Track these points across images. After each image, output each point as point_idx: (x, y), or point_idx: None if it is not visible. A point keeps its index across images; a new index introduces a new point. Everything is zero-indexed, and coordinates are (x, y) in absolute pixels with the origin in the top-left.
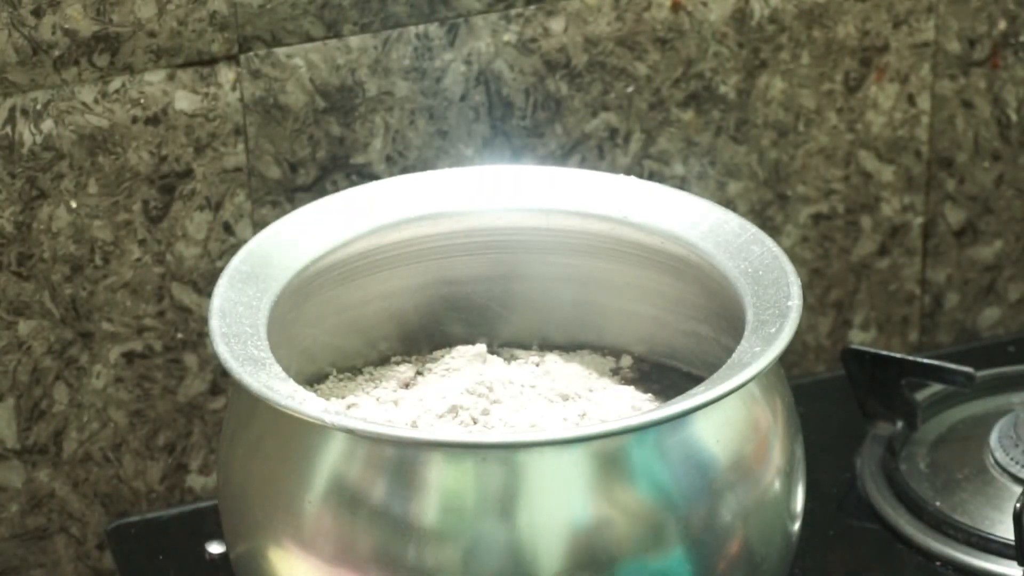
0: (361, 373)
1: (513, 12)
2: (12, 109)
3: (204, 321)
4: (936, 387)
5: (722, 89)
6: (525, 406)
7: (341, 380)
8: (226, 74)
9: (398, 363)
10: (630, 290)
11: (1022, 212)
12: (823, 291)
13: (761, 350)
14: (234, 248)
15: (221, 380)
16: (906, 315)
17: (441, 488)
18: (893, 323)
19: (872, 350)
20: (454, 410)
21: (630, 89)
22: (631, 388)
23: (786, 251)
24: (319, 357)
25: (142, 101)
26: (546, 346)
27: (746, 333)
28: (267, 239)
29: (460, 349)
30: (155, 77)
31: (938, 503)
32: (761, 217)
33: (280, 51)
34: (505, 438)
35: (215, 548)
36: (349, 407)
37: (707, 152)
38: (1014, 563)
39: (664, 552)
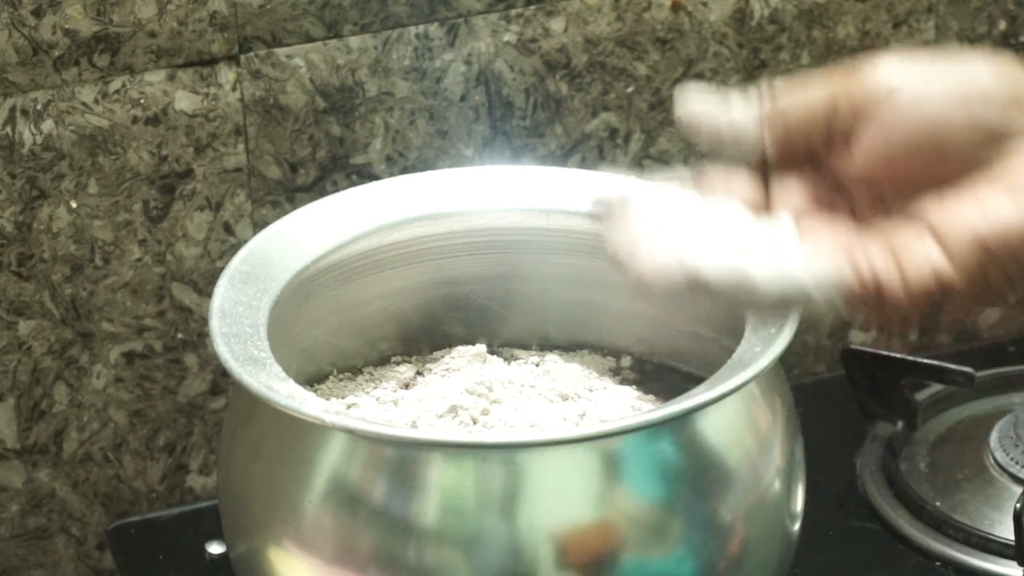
0: (361, 373)
1: (513, 12)
2: (12, 109)
3: (204, 321)
4: (936, 387)
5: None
6: (525, 406)
7: (341, 380)
8: (226, 74)
9: (398, 363)
10: (630, 290)
11: None
12: None
13: (761, 350)
14: (234, 248)
15: (221, 380)
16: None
17: (441, 488)
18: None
19: (872, 350)
20: (454, 410)
21: (630, 89)
22: (631, 388)
23: None
24: (319, 357)
25: (142, 101)
26: (546, 346)
27: (746, 333)
28: (267, 239)
29: (460, 349)
30: (155, 77)
31: (938, 503)
32: None
33: (280, 51)
34: (505, 438)
35: (215, 548)
36: (349, 407)
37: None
38: (1014, 563)
39: (664, 552)
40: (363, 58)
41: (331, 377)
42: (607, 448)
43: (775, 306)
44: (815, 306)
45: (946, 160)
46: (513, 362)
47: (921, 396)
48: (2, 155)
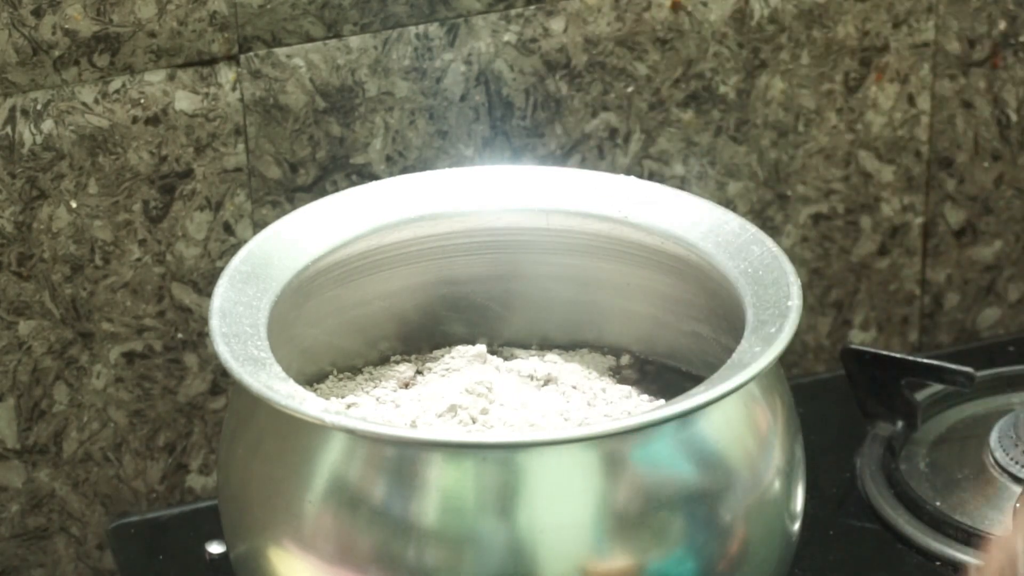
0: (361, 373)
1: (513, 12)
2: (12, 109)
3: (204, 321)
4: (936, 387)
5: (722, 89)
6: (525, 405)
7: (341, 380)
8: (226, 74)
9: (398, 363)
10: (630, 290)
11: (1022, 212)
12: (823, 291)
13: (761, 350)
14: (234, 248)
15: (221, 380)
16: (906, 315)
17: (441, 488)
18: (893, 323)
19: (872, 350)
20: (453, 409)
21: (630, 89)
22: (631, 388)
23: (786, 251)
24: (319, 357)
25: (142, 101)
26: (546, 346)
27: (746, 333)
28: (267, 239)
29: (460, 349)
30: (155, 77)
31: (938, 503)
32: (761, 217)
33: (280, 51)
34: (505, 438)
35: (215, 548)
36: (349, 407)
37: (707, 152)
38: None
39: (664, 552)
40: (363, 58)
41: (331, 377)
42: (607, 448)
43: None
44: None
45: None
46: (513, 361)
47: (921, 396)
48: (2, 155)
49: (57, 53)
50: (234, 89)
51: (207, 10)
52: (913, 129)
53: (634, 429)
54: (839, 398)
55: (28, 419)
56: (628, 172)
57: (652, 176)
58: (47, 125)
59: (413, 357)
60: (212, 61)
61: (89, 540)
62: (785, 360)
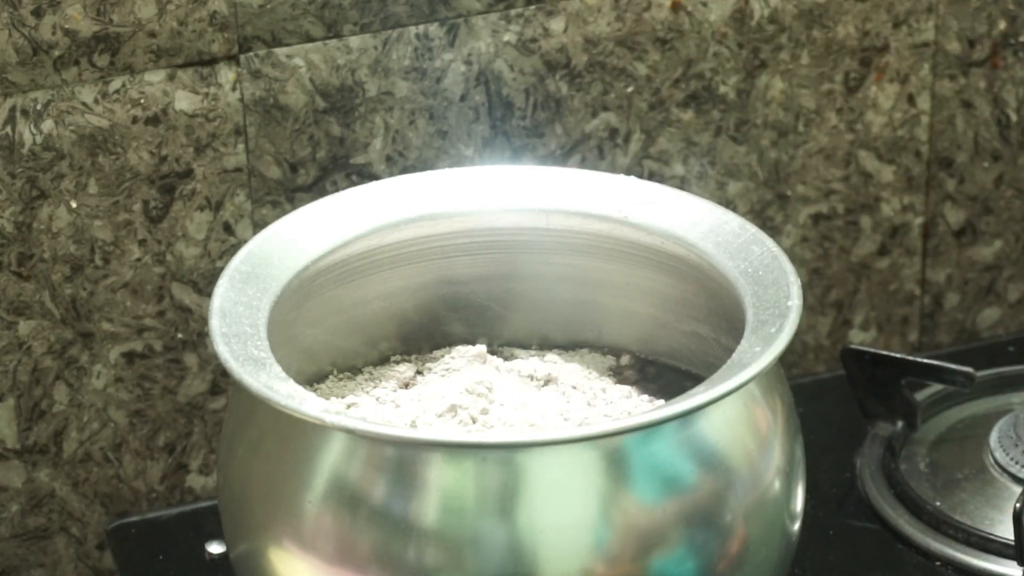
0: (361, 373)
1: (513, 12)
2: (12, 109)
3: (204, 321)
4: (936, 387)
5: (722, 89)
6: (525, 405)
7: (341, 380)
8: (226, 74)
9: (398, 363)
10: (630, 290)
11: (1022, 212)
12: (823, 291)
13: (761, 350)
14: (234, 248)
15: (221, 380)
16: (906, 315)
17: (441, 488)
18: (893, 323)
19: (872, 350)
20: (453, 409)
21: (630, 89)
22: (631, 388)
23: (786, 251)
24: (319, 357)
25: (142, 101)
26: (546, 346)
27: (746, 333)
28: (267, 239)
29: (460, 349)
30: (155, 77)
31: (938, 503)
32: (761, 217)
33: (280, 51)
34: (505, 438)
35: (215, 548)
36: (349, 407)
37: (707, 152)
38: (1014, 563)
39: (664, 552)
40: (363, 58)
41: (331, 377)
42: (607, 448)
43: None
44: None
45: None
46: (513, 362)
47: (921, 396)
48: (2, 155)
49: (57, 53)
50: (234, 89)
51: (207, 10)
52: (913, 129)
53: (634, 429)
54: (839, 398)
55: (28, 419)
56: (628, 172)
57: (652, 176)
58: (47, 125)
59: (413, 357)
60: (212, 61)
61: (89, 540)
62: (785, 360)
